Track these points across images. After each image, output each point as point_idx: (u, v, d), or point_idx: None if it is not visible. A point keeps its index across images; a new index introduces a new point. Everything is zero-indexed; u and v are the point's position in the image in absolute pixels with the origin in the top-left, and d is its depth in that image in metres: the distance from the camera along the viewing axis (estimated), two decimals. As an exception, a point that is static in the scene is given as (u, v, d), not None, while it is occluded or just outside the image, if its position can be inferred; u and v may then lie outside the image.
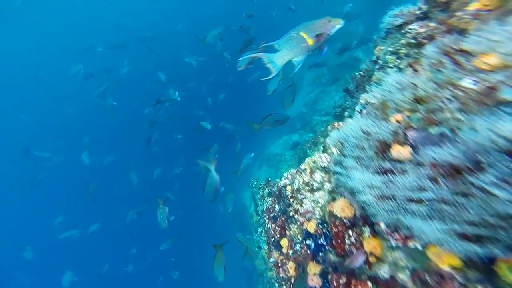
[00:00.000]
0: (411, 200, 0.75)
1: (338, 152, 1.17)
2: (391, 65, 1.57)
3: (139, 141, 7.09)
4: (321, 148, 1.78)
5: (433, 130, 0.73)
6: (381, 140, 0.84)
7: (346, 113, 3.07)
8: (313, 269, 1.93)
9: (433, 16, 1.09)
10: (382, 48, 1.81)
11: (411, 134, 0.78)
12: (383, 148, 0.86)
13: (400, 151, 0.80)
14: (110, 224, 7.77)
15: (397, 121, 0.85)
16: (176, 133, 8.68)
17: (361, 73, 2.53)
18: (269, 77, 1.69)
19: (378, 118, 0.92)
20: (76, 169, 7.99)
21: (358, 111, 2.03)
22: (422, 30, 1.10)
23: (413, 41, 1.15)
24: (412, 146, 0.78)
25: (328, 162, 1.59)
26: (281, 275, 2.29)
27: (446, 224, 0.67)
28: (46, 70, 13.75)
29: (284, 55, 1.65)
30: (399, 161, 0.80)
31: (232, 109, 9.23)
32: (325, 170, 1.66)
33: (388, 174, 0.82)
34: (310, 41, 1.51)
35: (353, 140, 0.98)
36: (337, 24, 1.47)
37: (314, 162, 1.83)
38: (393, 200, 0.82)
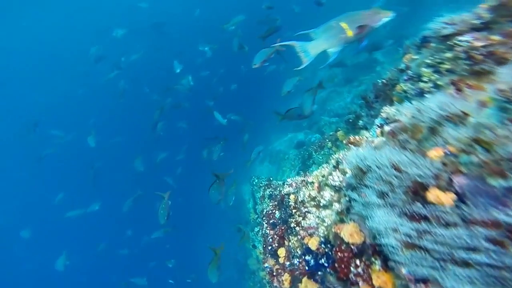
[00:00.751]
0: (454, 260, 0.60)
1: (356, 177, 1.01)
2: (425, 79, 1.37)
3: (146, 125, 7.04)
4: (333, 162, 1.61)
5: (495, 181, 0.57)
6: (417, 181, 0.68)
7: (361, 122, 2.87)
8: (310, 287, 1.84)
9: (497, 28, 0.88)
10: (415, 57, 1.60)
11: (460, 180, 0.61)
12: (417, 189, 0.70)
13: (439, 198, 0.64)
14: (109, 205, 7.85)
15: (439, 159, 0.69)
16: (182, 121, 8.61)
17: (384, 81, 2.31)
18: (301, 67, 1.58)
19: (411, 150, 0.76)
20: (80, 148, 8.03)
21: (377, 125, 1.84)
22: (478, 43, 0.90)
23: (463, 55, 0.95)
24: (457, 194, 0.62)
25: (340, 182, 1.43)
26: (274, 284, 2.23)
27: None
28: (62, 49, 13.74)
29: (319, 44, 1.53)
30: (439, 210, 0.64)
31: (242, 101, 9.06)
32: (335, 189, 1.51)
33: (422, 222, 0.67)
34: (350, 32, 1.36)
35: (378, 171, 0.82)
36: (385, 17, 1.32)
37: (323, 176, 1.67)
38: (426, 253, 0.67)
